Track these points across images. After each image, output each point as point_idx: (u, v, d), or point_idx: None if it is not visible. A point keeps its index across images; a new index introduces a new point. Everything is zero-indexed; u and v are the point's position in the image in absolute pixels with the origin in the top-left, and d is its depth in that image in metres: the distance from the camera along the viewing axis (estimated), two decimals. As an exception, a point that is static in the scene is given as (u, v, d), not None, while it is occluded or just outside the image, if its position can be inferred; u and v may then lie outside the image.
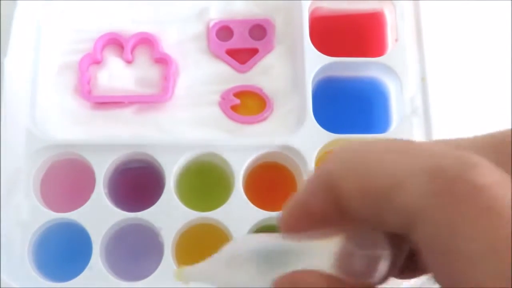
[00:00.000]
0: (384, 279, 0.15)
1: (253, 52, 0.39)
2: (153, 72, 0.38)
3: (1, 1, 0.40)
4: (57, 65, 0.38)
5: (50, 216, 0.34)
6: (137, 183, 0.37)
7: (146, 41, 0.38)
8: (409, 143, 0.14)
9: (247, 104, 0.38)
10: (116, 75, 0.38)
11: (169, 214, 0.34)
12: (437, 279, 0.13)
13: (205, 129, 0.37)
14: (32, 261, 0.34)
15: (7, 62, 0.37)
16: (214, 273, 0.17)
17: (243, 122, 0.37)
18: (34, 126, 0.36)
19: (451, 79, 0.39)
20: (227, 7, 0.40)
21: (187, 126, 0.37)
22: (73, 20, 0.39)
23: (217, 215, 0.34)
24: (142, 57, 0.39)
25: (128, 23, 0.39)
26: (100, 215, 0.34)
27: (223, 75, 0.38)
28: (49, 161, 0.36)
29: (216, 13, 0.40)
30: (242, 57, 0.39)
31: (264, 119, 0.37)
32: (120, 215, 0.34)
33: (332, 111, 0.39)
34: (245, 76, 0.38)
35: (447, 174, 0.13)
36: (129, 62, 0.38)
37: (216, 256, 0.17)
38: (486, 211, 0.12)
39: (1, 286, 0.33)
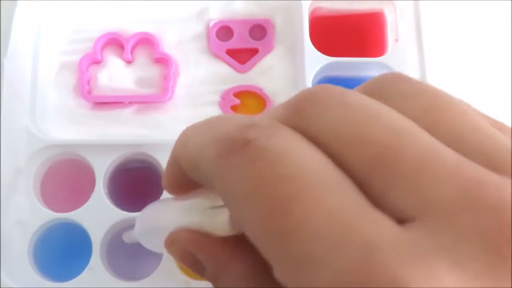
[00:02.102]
0: (228, 231, 0.17)
1: (253, 52, 0.39)
2: (153, 72, 0.38)
3: (1, 1, 0.40)
4: (57, 65, 0.38)
5: (50, 216, 0.34)
6: (137, 183, 0.37)
7: (146, 41, 0.38)
8: (224, 118, 0.16)
9: (247, 104, 0.38)
10: (116, 75, 0.38)
11: (169, 214, 0.34)
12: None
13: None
14: (32, 261, 0.34)
15: (7, 62, 0.37)
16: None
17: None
18: (34, 126, 0.36)
19: (451, 79, 0.39)
20: (227, 7, 0.40)
21: (187, 126, 0.37)
22: (73, 20, 0.39)
23: (217, 215, 0.34)
24: (142, 57, 0.39)
25: (128, 23, 0.39)
26: (100, 215, 0.34)
27: (223, 75, 0.38)
28: (49, 161, 0.36)
29: (216, 13, 0.40)
30: (242, 57, 0.39)
31: (264, 119, 0.37)
32: (120, 215, 0.34)
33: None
34: (245, 76, 0.38)
35: (227, 136, 0.15)
36: (129, 62, 0.38)
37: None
38: (252, 158, 0.14)
39: (1, 286, 0.33)
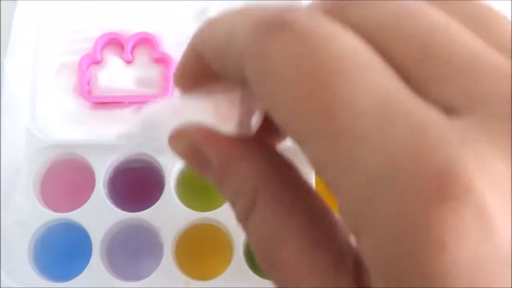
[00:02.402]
0: (238, 129, 0.16)
1: (253, 52, 0.39)
2: (153, 72, 0.38)
3: (1, 1, 0.40)
4: (57, 65, 0.38)
5: (50, 216, 0.34)
6: (137, 183, 0.37)
7: (146, 41, 0.38)
8: (256, 5, 0.15)
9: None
10: (116, 75, 0.38)
11: (169, 214, 0.34)
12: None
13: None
14: (32, 261, 0.34)
15: (6, 62, 0.37)
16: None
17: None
18: (34, 126, 0.36)
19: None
20: (227, 7, 0.40)
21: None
22: (73, 20, 0.39)
23: (217, 215, 0.34)
24: (142, 57, 0.39)
25: (128, 23, 0.39)
26: (100, 215, 0.34)
27: (223, 75, 0.38)
28: (49, 161, 0.36)
29: (216, 13, 0.39)
30: (242, 57, 0.39)
31: (264, 119, 0.37)
32: (120, 215, 0.34)
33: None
34: (245, 76, 0.38)
35: (266, 17, 0.13)
36: (129, 62, 0.38)
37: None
38: (295, 38, 0.13)
39: (1, 286, 0.33)
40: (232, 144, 0.16)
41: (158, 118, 0.18)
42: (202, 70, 0.17)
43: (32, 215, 0.34)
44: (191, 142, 0.17)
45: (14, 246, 0.34)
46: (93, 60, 0.38)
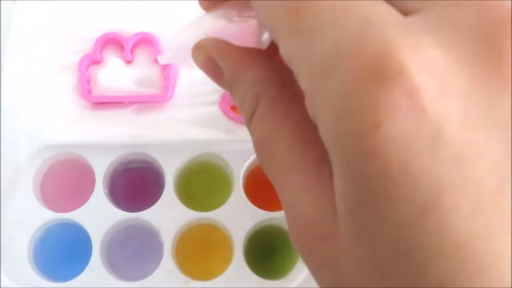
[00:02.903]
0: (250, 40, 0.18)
1: (253, 52, 0.39)
2: (153, 72, 0.38)
3: (1, 1, 0.40)
4: (57, 65, 0.38)
5: (50, 216, 0.34)
6: (137, 183, 0.37)
7: (146, 41, 0.38)
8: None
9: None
10: (116, 75, 0.38)
11: (169, 214, 0.34)
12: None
13: (205, 129, 0.37)
14: (32, 261, 0.34)
15: (6, 62, 0.37)
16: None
17: (243, 122, 0.37)
18: (34, 126, 0.36)
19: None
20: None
21: (187, 126, 0.37)
22: (73, 20, 0.39)
23: (217, 215, 0.34)
24: (142, 57, 0.39)
25: (128, 23, 0.39)
26: (100, 215, 0.34)
27: (223, 75, 0.38)
28: (49, 161, 0.36)
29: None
30: (242, 57, 0.39)
31: (264, 119, 0.37)
32: (120, 215, 0.34)
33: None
34: (245, 76, 0.38)
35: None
36: (129, 62, 0.38)
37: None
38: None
39: (1, 286, 0.33)
40: (241, 54, 0.17)
41: (184, 38, 0.20)
42: None
43: (32, 215, 0.34)
44: (207, 54, 0.18)
45: (14, 246, 0.34)
46: (93, 60, 0.38)
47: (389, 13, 0.13)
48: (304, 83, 0.14)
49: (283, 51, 0.14)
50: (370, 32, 0.13)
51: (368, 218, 0.13)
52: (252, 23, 0.18)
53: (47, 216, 0.34)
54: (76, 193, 0.36)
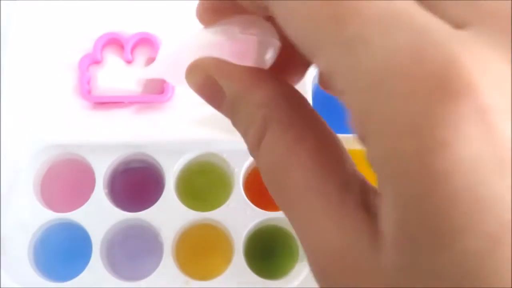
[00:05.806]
0: (266, 64, 0.16)
1: (253, 52, 0.39)
2: (153, 72, 0.38)
3: (1, 1, 0.40)
4: (57, 65, 0.38)
5: (50, 216, 0.34)
6: (137, 183, 0.37)
7: (146, 41, 0.38)
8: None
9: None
10: (116, 75, 0.38)
11: (169, 214, 0.34)
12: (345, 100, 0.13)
13: (205, 129, 0.37)
14: (32, 261, 0.34)
15: (7, 62, 0.37)
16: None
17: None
18: (34, 126, 0.36)
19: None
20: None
21: (187, 126, 0.37)
22: (73, 20, 0.39)
23: (217, 215, 0.34)
24: (142, 57, 0.39)
25: (128, 23, 0.39)
26: (100, 215, 0.34)
27: (223, 75, 0.38)
28: (49, 161, 0.36)
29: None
30: (242, 57, 0.39)
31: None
32: (120, 215, 0.34)
33: (332, 112, 0.38)
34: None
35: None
36: (129, 62, 0.38)
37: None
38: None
39: (1, 286, 0.33)
40: (246, 73, 0.16)
41: (179, 53, 0.19)
42: (222, 2, 0.18)
43: (32, 215, 0.34)
44: (206, 74, 0.17)
45: (14, 246, 0.34)
46: (93, 60, 0.38)
47: (443, 23, 0.12)
48: (351, 99, 0.13)
49: (324, 64, 0.13)
50: (431, 43, 0.11)
51: (428, 250, 0.11)
52: (253, 40, 0.17)
53: (47, 216, 0.34)
54: (76, 193, 0.36)
